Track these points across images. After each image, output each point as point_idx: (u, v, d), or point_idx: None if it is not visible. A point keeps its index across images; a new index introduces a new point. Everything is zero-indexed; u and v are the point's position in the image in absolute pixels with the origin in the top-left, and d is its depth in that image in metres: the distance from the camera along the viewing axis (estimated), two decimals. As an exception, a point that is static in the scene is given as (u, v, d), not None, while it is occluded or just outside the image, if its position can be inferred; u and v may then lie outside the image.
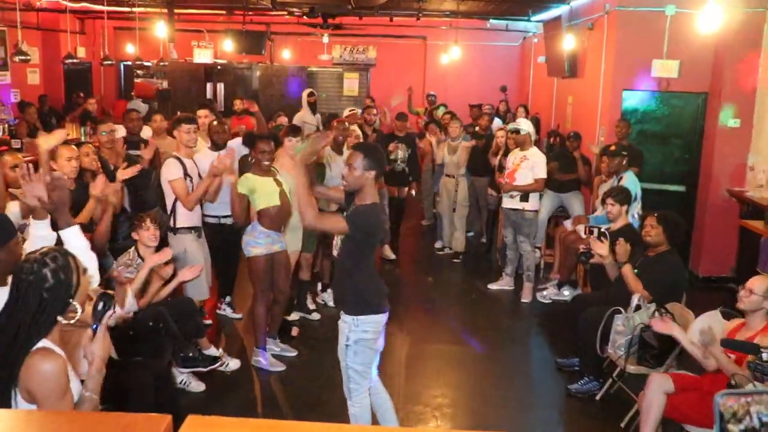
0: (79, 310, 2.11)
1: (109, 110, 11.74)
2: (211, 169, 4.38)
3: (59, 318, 2.08)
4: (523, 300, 6.05)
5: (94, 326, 2.11)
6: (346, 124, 5.96)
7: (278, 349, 4.65)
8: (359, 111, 7.63)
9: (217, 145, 5.07)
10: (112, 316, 2.17)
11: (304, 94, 8.59)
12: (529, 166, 5.87)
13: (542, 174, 5.90)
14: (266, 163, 4.39)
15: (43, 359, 1.99)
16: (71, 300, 2.09)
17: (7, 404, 1.96)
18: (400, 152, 6.76)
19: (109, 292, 2.19)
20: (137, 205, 4.76)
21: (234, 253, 5.31)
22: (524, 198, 5.93)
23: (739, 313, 3.41)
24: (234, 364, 4.44)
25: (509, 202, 6.03)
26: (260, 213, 4.42)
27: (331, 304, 5.67)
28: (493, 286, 6.34)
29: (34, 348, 2.01)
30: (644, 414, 3.29)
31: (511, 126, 6.17)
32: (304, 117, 8.28)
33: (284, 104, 11.68)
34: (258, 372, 4.45)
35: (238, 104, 8.19)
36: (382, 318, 3.19)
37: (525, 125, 6.05)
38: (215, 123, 5.16)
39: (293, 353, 4.68)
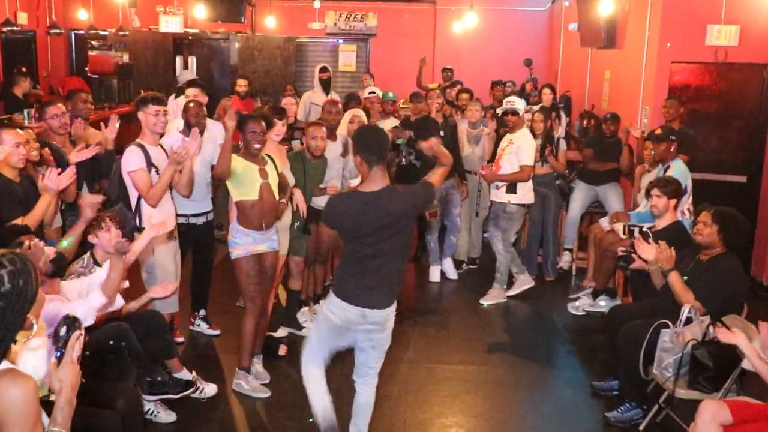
0: (36, 327, 2.13)
1: (57, 89, 11.77)
2: (172, 157, 4.36)
3: (15, 336, 2.08)
4: (481, 302, 6.23)
5: (58, 353, 2.14)
6: (340, 106, 5.96)
7: (252, 370, 4.67)
8: (381, 93, 7.39)
9: (191, 129, 5.09)
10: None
11: (316, 70, 8.57)
12: (513, 151, 5.94)
13: (527, 161, 5.97)
14: (257, 146, 4.44)
15: (12, 382, 1.98)
16: (28, 315, 2.09)
17: None
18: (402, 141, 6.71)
19: (75, 315, 2.22)
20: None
21: (207, 259, 5.33)
22: (511, 189, 6.01)
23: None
24: (210, 389, 4.46)
25: (494, 195, 6.15)
26: (237, 206, 4.46)
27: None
28: (510, 292, 6.41)
29: (2, 368, 2.00)
30: (696, 448, 3.31)
31: (506, 108, 6.10)
32: (313, 98, 8.27)
33: (268, 82, 11.73)
34: (239, 398, 4.48)
35: (241, 84, 8.25)
36: (350, 309, 3.43)
37: (519, 104, 6.12)
38: (191, 104, 5.17)
39: (266, 380, 4.68)
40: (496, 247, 6.18)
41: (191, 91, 5.68)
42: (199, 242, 5.22)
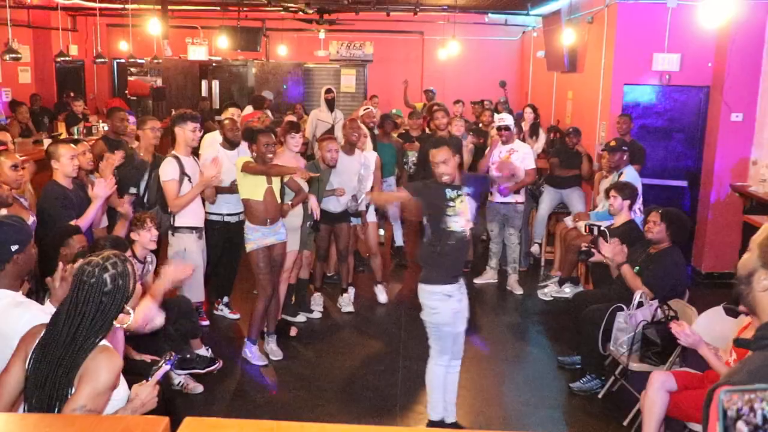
0: (132, 315, 2.23)
1: (102, 109, 11.73)
2: (201, 178, 4.40)
3: (114, 322, 2.15)
4: (517, 293, 6.16)
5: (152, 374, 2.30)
6: (359, 122, 5.80)
7: (267, 348, 4.67)
8: (375, 109, 7.36)
9: (231, 143, 5.09)
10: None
11: (321, 91, 8.53)
12: (520, 158, 5.94)
13: (533, 164, 6.08)
14: (270, 156, 4.41)
15: (108, 354, 2.07)
16: (126, 305, 2.18)
17: (62, 404, 2.00)
18: (412, 154, 6.64)
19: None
20: (135, 204, 4.75)
21: (236, 253, 5.30)
22: (517, 191, 6.07)
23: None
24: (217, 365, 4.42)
25: (504, 198, 6.10)
26: (244, 203, 4.47)
27: (346, 309, 5.59)
28: (478, 281, 6.37)
29: (100, 345, 2.08)
30: (646, 413, 3.29)
31: (501, 124, 6.05)
32: (319, 115, 8.24)
33: (281, 102, 11.70)
34: (257, 372, 4.46)
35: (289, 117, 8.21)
36: None
37: (510, 120, 6.14)
38: (227, 121, 5.17)
39: (279, 357, 4.66)
40: (513, 242, 6.18)
41: (232, 111, 5.72)
42: (231, 238, 5.18)
